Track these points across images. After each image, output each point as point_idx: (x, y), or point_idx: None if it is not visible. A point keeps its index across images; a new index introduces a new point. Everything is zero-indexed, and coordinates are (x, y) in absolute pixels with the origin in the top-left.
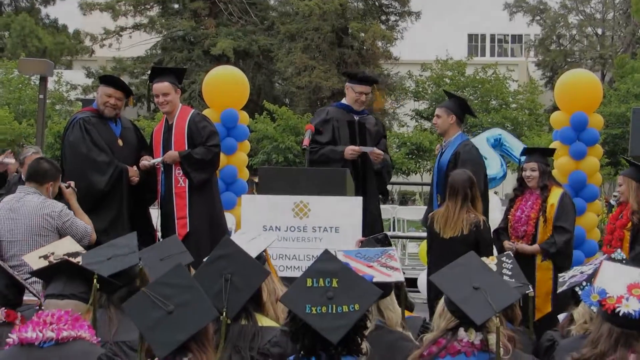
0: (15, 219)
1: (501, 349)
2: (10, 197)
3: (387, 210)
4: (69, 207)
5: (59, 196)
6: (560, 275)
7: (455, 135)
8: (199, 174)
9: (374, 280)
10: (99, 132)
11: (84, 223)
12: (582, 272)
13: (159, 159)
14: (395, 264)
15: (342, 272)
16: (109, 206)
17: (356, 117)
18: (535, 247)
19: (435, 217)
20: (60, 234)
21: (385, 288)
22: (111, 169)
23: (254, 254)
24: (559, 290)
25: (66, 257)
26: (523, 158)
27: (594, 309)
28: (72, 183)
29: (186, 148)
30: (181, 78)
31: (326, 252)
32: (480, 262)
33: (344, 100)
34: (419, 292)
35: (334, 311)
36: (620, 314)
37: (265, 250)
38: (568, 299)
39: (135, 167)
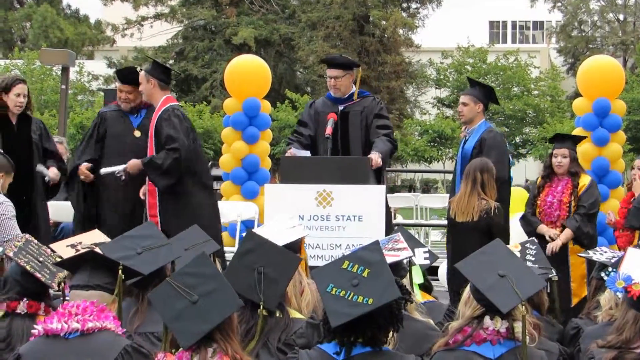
0: None
1: (527, 336)
2: None
3: (410, 199)
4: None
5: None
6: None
7: (479, 123)
8: (163, 179)
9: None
10: (112, 126)
11: (16, 232)
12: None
13: (119, 167)
14: (401, 245)
15: (376, 265)
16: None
17: (341, 107)
18: (567, 232)
19: (452, 202)
20: None
21: (400, 270)
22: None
23: (289, 240)
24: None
25: (93, 246)
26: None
27: (620, 295)
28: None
29: (153, 150)
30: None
31: (376, 242)
32: (507, 250)
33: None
34: (438, 279)
35: (350, 298)
36: None
37: (302, 239)
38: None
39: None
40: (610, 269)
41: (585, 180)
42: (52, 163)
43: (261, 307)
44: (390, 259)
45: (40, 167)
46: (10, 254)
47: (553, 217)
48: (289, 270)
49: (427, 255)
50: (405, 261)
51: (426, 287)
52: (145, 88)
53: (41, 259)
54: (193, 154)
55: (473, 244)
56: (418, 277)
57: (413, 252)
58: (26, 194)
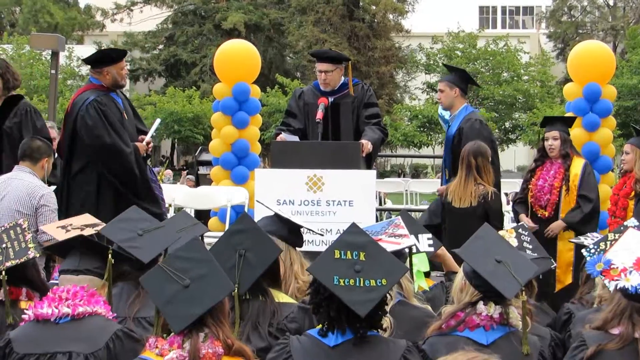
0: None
1: (519, 322)
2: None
3: (399, 184)
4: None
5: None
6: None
7: (460, 108)
8: None
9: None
10: (113, 113)
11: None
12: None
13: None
14: (402, 231)
15: (369, 246)
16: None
17: (331, 99)
18: (560, 222)
19: (448, 188)
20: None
21: (399, 257)
22: (133, 157)
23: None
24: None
25: (84, 227)
26: None
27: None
28: None
29: None
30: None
31: (354, 225)
32: (497, 235)
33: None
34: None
35: (362, 284)
36: (618, 287)
37: None
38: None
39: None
40: (590, 248)
41: (578, 164)
42: None
43: (236, 290)
44: (390, 247)
45: None
46: None
47: (543, 200)
48: (268, 259)
49: (431, 241)
50: (405, 249)
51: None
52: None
53: (4, 245)
54: None
55: (470, 229)
56: (423, 265)
57: (417, 238)
58: None
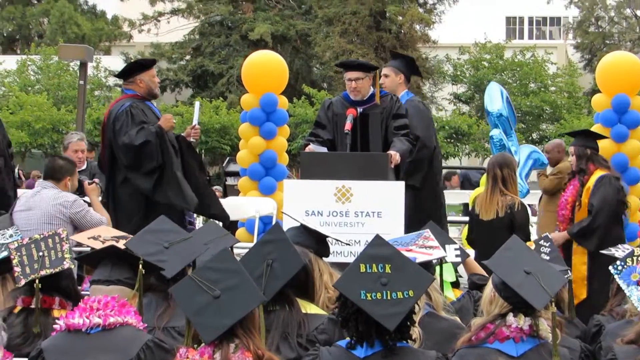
0: (31, 209)
1: (549, 333)
2: (29, 190)
3: None
4: (89, 203)
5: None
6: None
7: (402, 93)
8: None
9: (417, 261)
10: (146, 115)
11: (99, 215)
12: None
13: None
14: (433, 243)
15: (395, 258)
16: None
17: (360, 109)
18: (563, 234)
19: (476, 199)
20: (74, 225)
21: (428, 268)
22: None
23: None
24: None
25: (115, 238)
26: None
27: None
28: (96, 180)
29: None
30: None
31: (378, 237)
32: (525, 246)
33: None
34: (461, 276)
35: (389, 297)
36: None
37: None
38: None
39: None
40: (619, 263)
41: (594, 178)
42: None
43: None
44: (421, 257)
45: None
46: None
47: (560, 216)
48: (292, 270)
49: (458, 252)
50: (434, 260)
51: (455, 283)
52: None
53: (41, 254)
54: None
55: (497, 240)
56: (450, 275)
57: (444, 248)
58: None
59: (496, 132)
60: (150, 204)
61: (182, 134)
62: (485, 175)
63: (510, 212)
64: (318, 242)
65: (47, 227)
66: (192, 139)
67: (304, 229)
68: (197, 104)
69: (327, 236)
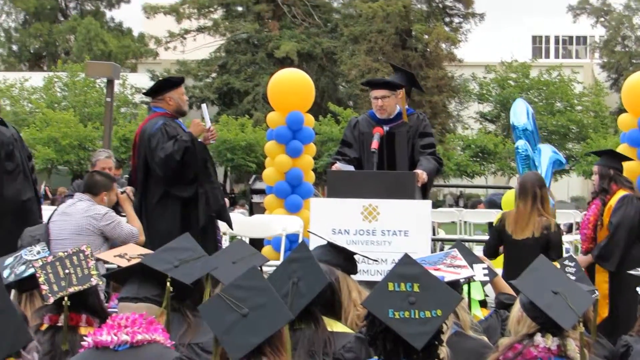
0: (66, 220)
1: (577, 354)
2: (69, 200)
3: (454, 214)
4: (121, 212)
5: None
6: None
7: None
8: None
9: (445, 280)
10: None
11: (129, 226)
12: None
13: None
14: (461, 262)
15: (423, 277)
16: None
17: (386, 128)
18: (587, 257)
19: (506, 218)
20: (105, 236)
21: (455, 288)
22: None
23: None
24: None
25: (141, 257)
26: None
27: None
28: (128, 189)
29: None
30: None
31: (406, 256)
32: (553, 266)
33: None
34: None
35: (417, 316)
36: None
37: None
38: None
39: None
40: None
41: (616, 197)
42: None
43: None
44: (449, 276)
45: None
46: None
47: (582, 235)
48: (316, 289)
49: (486, 271)
50: (462, 279)
51: (483, 302)
52: None
53: (67, 271)
54: None
55: (531, 260)
56: (478, 294)
57: (472, 268)
58: None
59: (521, 143)
60: (184, 226)
61: (199, 139)
62: (514, 192)
63: (547, 232)
64: (346, 260)
65: (78, 237)
66: (211, 141)
67: (331, 247)
68: (203, 106)
69: (355, 253)
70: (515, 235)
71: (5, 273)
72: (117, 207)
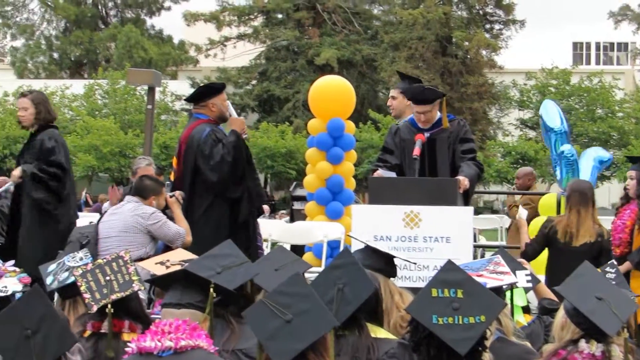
0: (114, 219)
1: None
2: (120, 203)
3: (494, 220)
4: (169, 215)
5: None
6: None
7: (410, 116)
8: None
9: (488, 286)
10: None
11: (176, 227)
12: None
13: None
14: (504, 269)
15: (467, 283)
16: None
17: (427, 134)
18: (627, 264)
19: (558, 224)
20: (152, 236)
21: (498, 294)
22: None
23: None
24: None
25: (182, 263)
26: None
27: None
28: (177, 193)
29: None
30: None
31: (450, 262)
32: (596, 272)
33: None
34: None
35: (460, 322)
36: None
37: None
38: None
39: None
40: None
41: None
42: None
43: None
44: (492, 282)
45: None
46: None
47: (616, 240)
48: (363, 295)
49: (529, 277)
50: (504, 286)
51: (526, 308)
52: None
53: (108, 278)
54: None
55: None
56: (521, 300)
57: (514, 274)
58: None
59: (567, 147)
60: (231, 234)
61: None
62: (551, 197)
63: (601, 240)
64: (386, 263)
65: (125, 235)
66: (244, 136)
67: (371, 251)
68: (227, 102)
69: (394, 256)
70: (571, 242)
71: (49, 280)
72: (165, 212)
